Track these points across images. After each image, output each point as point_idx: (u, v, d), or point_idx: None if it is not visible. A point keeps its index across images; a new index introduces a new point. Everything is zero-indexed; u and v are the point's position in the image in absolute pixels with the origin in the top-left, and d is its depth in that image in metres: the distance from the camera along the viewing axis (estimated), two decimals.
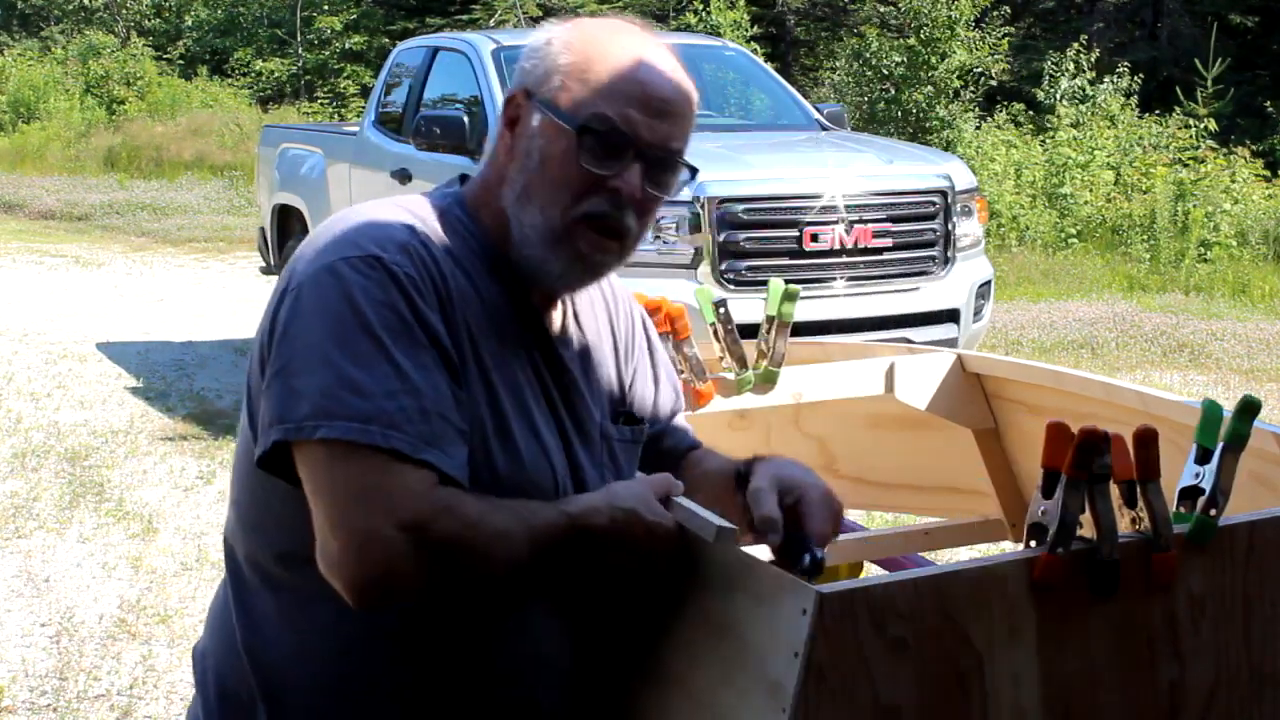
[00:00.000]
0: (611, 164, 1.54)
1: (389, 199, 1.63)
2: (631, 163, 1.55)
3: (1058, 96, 15.98)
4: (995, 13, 17.17)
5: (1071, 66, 16.13)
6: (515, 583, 1.53)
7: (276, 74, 25.86)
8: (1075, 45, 16.41)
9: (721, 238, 6.08)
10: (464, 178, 1.70)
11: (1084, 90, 16.03)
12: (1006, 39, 16.93)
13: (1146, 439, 1.64)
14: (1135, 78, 16.30)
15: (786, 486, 1.66)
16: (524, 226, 1.57)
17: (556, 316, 1.67)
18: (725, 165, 6.43)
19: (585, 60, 1.57)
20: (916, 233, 6.50)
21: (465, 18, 21.00)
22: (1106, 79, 16.29)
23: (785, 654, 1.51)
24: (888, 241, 6.39)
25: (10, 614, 4.82)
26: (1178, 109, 16.19)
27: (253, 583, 1.59)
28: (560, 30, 1.63)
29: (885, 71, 16.05)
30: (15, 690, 4.23)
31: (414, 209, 1.59)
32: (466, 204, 1.62)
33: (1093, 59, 16.48)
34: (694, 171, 1.63)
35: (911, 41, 15.77)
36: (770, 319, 2.73)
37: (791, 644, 1.50)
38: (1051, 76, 16.27)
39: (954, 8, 15.26)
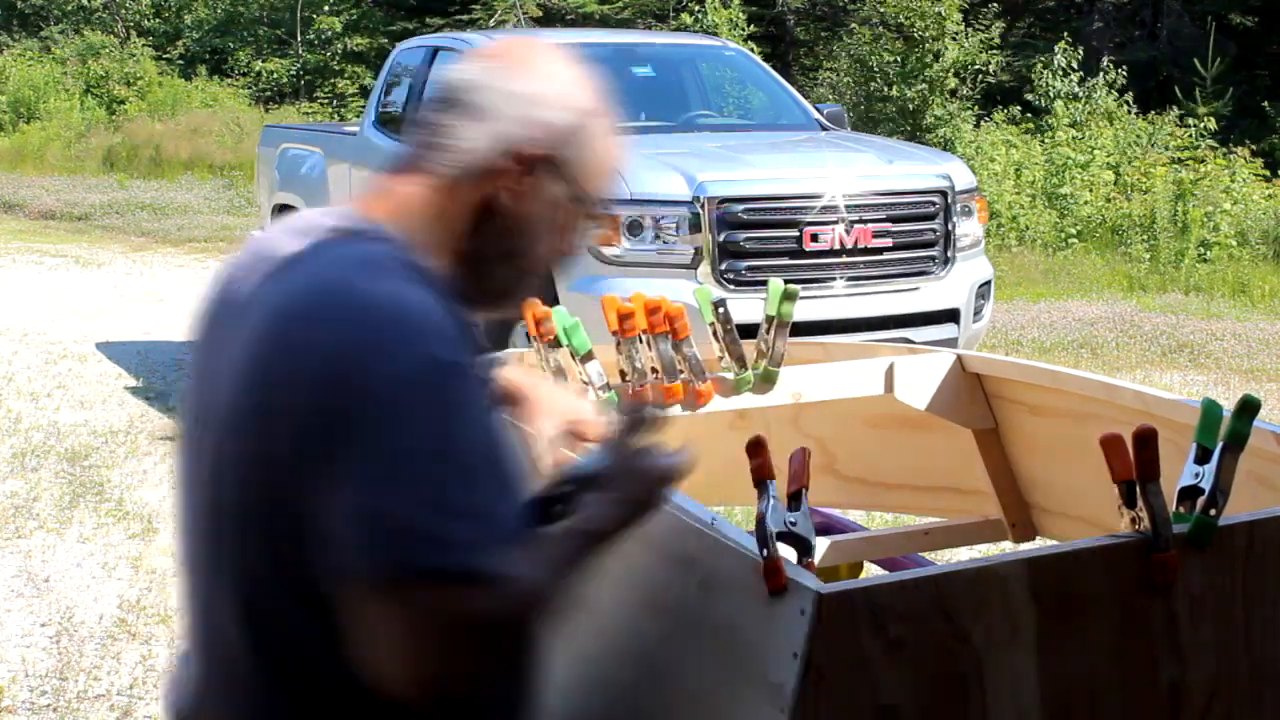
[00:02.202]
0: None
1: (367, 258, 1.48)
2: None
3: (1050, 96, 15.97)
4: (985, 9, 17.17)
5: (1060, 64, 16.11)
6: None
7: (276, 74, 25.85)
8: (1061, 44, 16.40)
9: (721, 238, 6.08)
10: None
11: (1074, 89, 16.01)
12: (997, 32, 16.92)
13: (1146, 439, 1.64)
14: (1119, 71, 16.27)
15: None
16: (501, 280, 1.62)
17: None
18: (725, 165, 6.43)
19: (605, 150, 1.67)
20: (916, 233, 6.49)
21: (465, 18, 20.99)
22: (1098, 76, 16.28)
23: (784, 655, 1.51)
24: (888, 241, 6.39)
25: (10, 614, 4.82)
26: (1176, 108, 16.19)
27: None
28: (578, 101, 1.66)
29: (879, 69, 16.05)
30: (15, 690, 4.22)
31: (405, 281, 1.47)
32: (411, 250, 1.52)
33: (1079, 58, 16.47)
34: None
35: (899, 45, 15.77)
36: (770, 319, 2.73)
37: (790, 644, 1.50)
38: (1036, 79, 16.24)
39: (941, 3, 15.26)
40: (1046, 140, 15.12)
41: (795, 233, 6.18)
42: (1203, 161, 14.12)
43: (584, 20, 21.03)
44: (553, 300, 5.87)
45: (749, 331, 2.75)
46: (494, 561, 1.35)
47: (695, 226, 6.07)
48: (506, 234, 1.58)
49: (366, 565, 1.33)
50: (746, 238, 6.13)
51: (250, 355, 1.43)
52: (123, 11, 29.36)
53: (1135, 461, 1.64)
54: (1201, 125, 15.51)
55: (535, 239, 1.60)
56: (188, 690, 1.55)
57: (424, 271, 1.51)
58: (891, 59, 15.92)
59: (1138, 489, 1.65)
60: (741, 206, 6.13)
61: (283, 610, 1.42)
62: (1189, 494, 1.74)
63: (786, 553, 1.65)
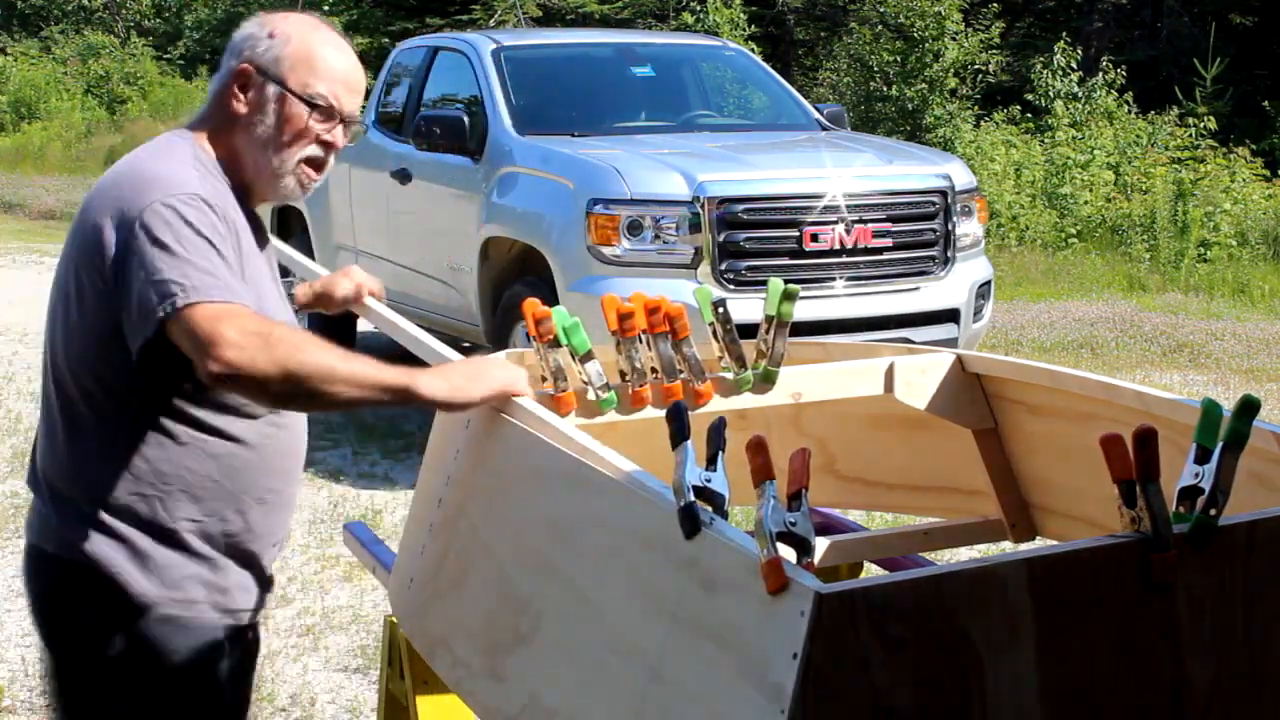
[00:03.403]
0: (326, 125, 2.27)
1: (156, 149, 2.25)
2: (337, 124, 2.28)
3: (1050, 96, 15.97)
4: (985, 9, 17.17)
5: (1060, 64, 16.10)
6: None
7: None
8: (1060, 44, 16.40)
9: (721, 238, 6.08)
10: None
11: (1074, 89, 16.01)
12: (997, 32, 16.92)
13: (1146, 439, 1.64)
14: (1119, 71, 16.27)
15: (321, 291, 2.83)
16: (261, 162, 2.26)
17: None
18: (725, 165, 6.42)
19: (305, 52, 2.24)
20: (916, 233, 6.49)
21: (465, 18, 20.98)
22: (1098, 76, 16.28)
23: (784, 655, 1.51)
24: (888, 241, 6.38)
25: (10, 614, 4.82)
26: (1176, 109, 16.18)
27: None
28: (276, 25, 2.27)
29: (879, 69, 16.05)
30: (15, 690, 4.23)
31: (185, 158, 2.21)
32: (208, 145, 2.27)
33: (1079, 58, 16.47)
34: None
35: (899, 44, 15.78)
36: (769, 319, 2.72)
37: (790, 644, 1.50)
38: (1036, 78, 16.24)
39: (941, 3, 15.26)
40: (1046, 140, 15.12)
41: (795, 233, 6.18)
42: (1203, 161, 14.12)
43: (584, 20, 21.02)
44: (553, 300, 5.88)
45: (749, 331, 2.74)
46: (210, 295, 2.01)
47: (695, 226, 6.07)
48: (254, 126, 2.25)
49: (154, 312, 2.02)
50: (746, 238, 6.13)
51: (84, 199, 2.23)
52: (123, 11, 29.37)
53: (1135, 461, 1.64)
54: (1201, 125, 15.51)
55: (275, 131, 2.24)
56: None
57: (210, 162, 2.24)
58: (891, 59, 15.92)
59: (1138, 489, 1.65)
60: (741, 206, 6.13)
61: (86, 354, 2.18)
62: (1189, 494, 1.74)
63: (786, 553, 1.65)
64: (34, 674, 4.33)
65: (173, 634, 2.20)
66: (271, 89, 2.23)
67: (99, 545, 2.17)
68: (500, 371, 2.32)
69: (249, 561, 2.30)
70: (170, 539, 2.19)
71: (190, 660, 2.22)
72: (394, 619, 2.72)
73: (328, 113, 2.26)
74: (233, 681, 2.30)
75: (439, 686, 2.49)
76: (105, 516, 2.17)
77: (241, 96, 2.24)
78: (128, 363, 2.09)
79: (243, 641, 2.32)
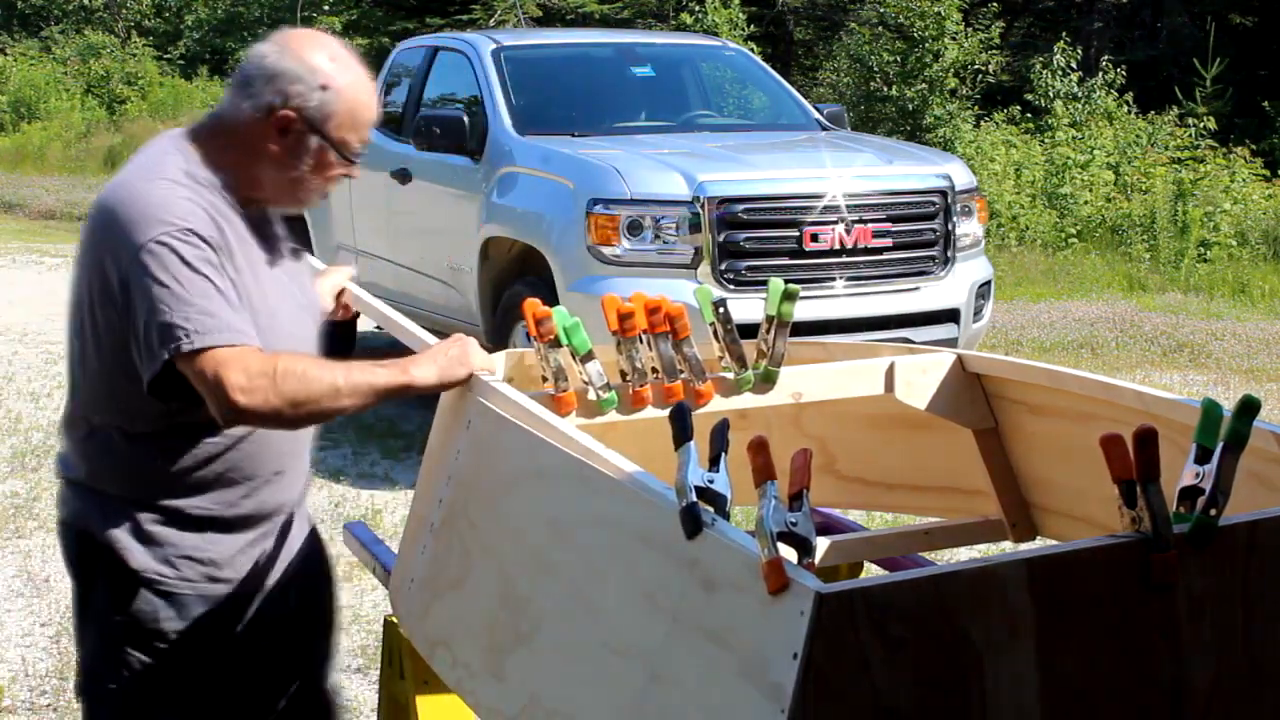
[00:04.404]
0: (348, 166, 2.38)
1: (148, 168, 2.29)
2: (353, 165, 2.39)
3: (1050, 96, 15.97)
4: (984, 9, 17.17)
5: (1059, 64, 16.10)
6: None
7: None
8: (1059, 45, 16.39)
9: (721, 238, 6.08)
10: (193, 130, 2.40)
11: (1073, 89, 16.01)
12: (996, 32, 16.92)
13: (1146, 439, 1.64)
14: (1119, 70, 16.27)
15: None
16: (282, 194, 2.37)
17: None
18: (725, 165, 6.42)
19: (351, 107, 2.32)
20: (916, 233, 6.49)
21: (465, 18, 20.97)
22: (1098, 76, 16.28)
23: (784, 655, 1.51)
24: (888, 241, 6.38)
25: (10, 614, 4.82)
26: (1176, 109, 16.18)
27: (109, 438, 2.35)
28: (328, 77, 2.30)
29: (879, 69, 16.04)
30: (15, 690, 4.23)
31: (177, 175, 2.26)
32: (212, 157, 2.32)
33: (1079, 58, 16.47)
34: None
35: (899, 45, 15.77)
36: (769, 318, 2.72)
37: (790, 644, 1.50)
38: (1036, 78, 16.24)
39: (941, 3, 15.26)
40: (1046, 140, 15.12)
41: (795, 233, 6.18)
42: (1203, 161, 14.11)
43: (584, 20, 21.02)
44: (553, 300, 5.88)
45: (749, 331, 2.74)
46: (213, 339, 2.13)
47: (695, 226, 6.07)
48: (284, 166, 2.33)
49: (159, 355, 2.14)
50: (746, 238, 6.13)
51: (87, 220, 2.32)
52: (123, 11, 29.37)
53: (1135, 461, 1.64)
54: (1201, 125, 15.51)
55: (307, 175, 2.34)
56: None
57: (209, 181, 2.29)
58: (891, 59, 15.91)
59: (1138, 489, 1.65)
60: (741, 206, 6.13)
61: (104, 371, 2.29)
62: (1189, 494, 1.74)
63: (787, 553, 1.65)
64: (34, 674, 4.33)
65: (170, 606, 2.36)
66: (314, 140, 2.32)
67: (104, 521, 2.34)
68: (477, 358, 2.46)
69: (259, 535, 2.44)
70: (173, 519, 2.34)
71: (184, 631, 2.38)
72: (394, 619, 2.72)
73: (355, 156, 2.39)
74: (237, 653, 2.44)
75: (439, 686, 2.49)
76: (112, 498, 2.34)
77: (279, 140, 2.31)
78: (140, 385, 2.22)
79: (267, 604, 2.47)
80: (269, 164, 2.33)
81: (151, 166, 2.30)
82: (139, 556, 2.34)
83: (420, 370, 2.34)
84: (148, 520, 2.34)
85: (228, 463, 2.36)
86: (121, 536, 2.34)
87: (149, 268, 2.16)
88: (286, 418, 2.19)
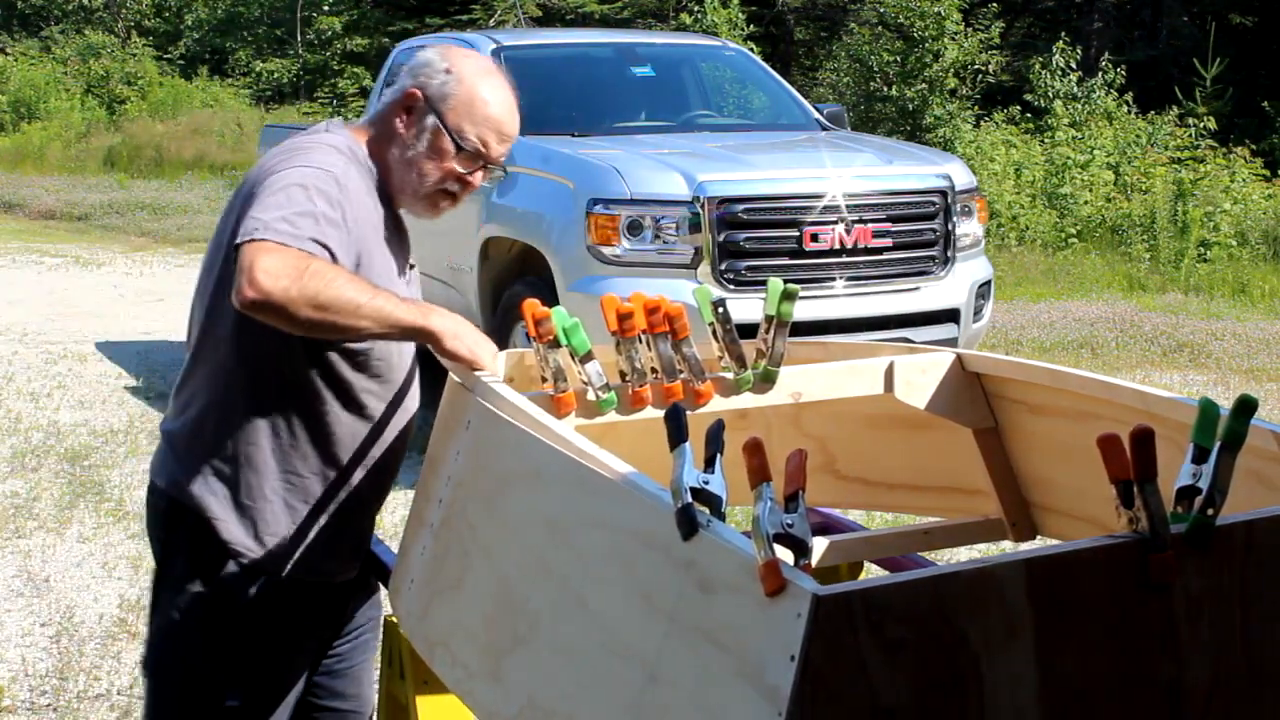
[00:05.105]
0: (468, 166, 2.46)
1: (317, 135, 2.45)
2: (479, 168, 2.48)
3: (1050, 96, 15.96)
4: (984, 9, 17.17)
5: (1059, 64, 16.10)
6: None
7: (276, 74, 25.86)
8: (1059, 45, 16.39)
9: (721, 238, 6.08)
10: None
11: (1073, 89, 16.01)
12: (996, 32, 16.92)
13: (1143, 439, 1.64)
14: (1119, 71, 16.27)
15: None
16: (404, 179, 2.46)
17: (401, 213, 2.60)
18: (725, 165, 6.42)
19: (469, 96, 2.43)
20: (916, 232, 6.49)
21: (465, 18, 20.97)
22: (1098, 76, 16.27)
23: (782, 656, 1.51)
24: (888, 241, 6.38)
25: (10, 614, 4.83)
26: (1176, 109, 16.18)
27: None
28: (455, 62, 2.46)
29: (879, 69, 16.05)
30: (15, 690, 4.23)
31: (339, 145, 2.41)
32: (365, 144, 2.48)
33: (1078, 58, 16.46)
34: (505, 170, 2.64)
35: (899, 45, 15.77)
36: (769, 318, 2.72)
37: (788, 646, 1.50)
38: (1035, 78, 16.24)
39: (940, 3, 15.26)
40: (1046, 140, 15.12)
41: (795, 233, 6.18)
42: (1203, 161, 14.11)
43: (584, 20, 21.02)
44: (552, 300, 5.88)
45: (749, 331, 2.74)
46: (275, 236, 2.17)
47: (695, 226, 6.07)
48: (408, 146, 2.45)
49: (232, 240, 2.24)
50: (746, 238, 6.13)
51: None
52: (123, 11, 29.37)
53: (1133, 461, 1.64)
54: (1201, 125, 15.51)
55: (423, 156, 2.44)
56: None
57: (364, 160, 2.44)
58: (891, 59, 15.92)
59: (1135, 489, 1.65)
60: (741, 206, 6.13)
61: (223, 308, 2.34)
62: (1187, 494, 1.74)
63: (784, 554, 1.65)
64: (34, 674, 4.33)
65: (252, 582, 2.40)
66: (431, 119, 2.43)
67: (200, 490, 2.40)
68: (485, 345, 2.47)
69: (346, 522, 2.50)
70: (266, 497, 2.40)
71: (263, 609, 2.43)
72: (394, 619, 2.72)
73: (473, 155, 2.45)
74: (303, 637, 2.53)
75: (439, 687, 2.49)
76: (211, 468, 2.40)
77: (405, 117, 2.45)
78: (251, 344, 2.31)
79: (328, 601, 2.55)
80: (396, 144, 2.45)
81: (318, 137, 2.44)
82: (230, 528, 2.39)
83: (440, 321, 2.36)
84: (242, 493, 2.39)
85: (333, 437, 2.42)
86: (214, 505, 2.39)
87: (271, 183, 2.26)
88: (301, 318, 2.19)
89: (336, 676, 2.73)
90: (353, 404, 2.44)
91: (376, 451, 2.51)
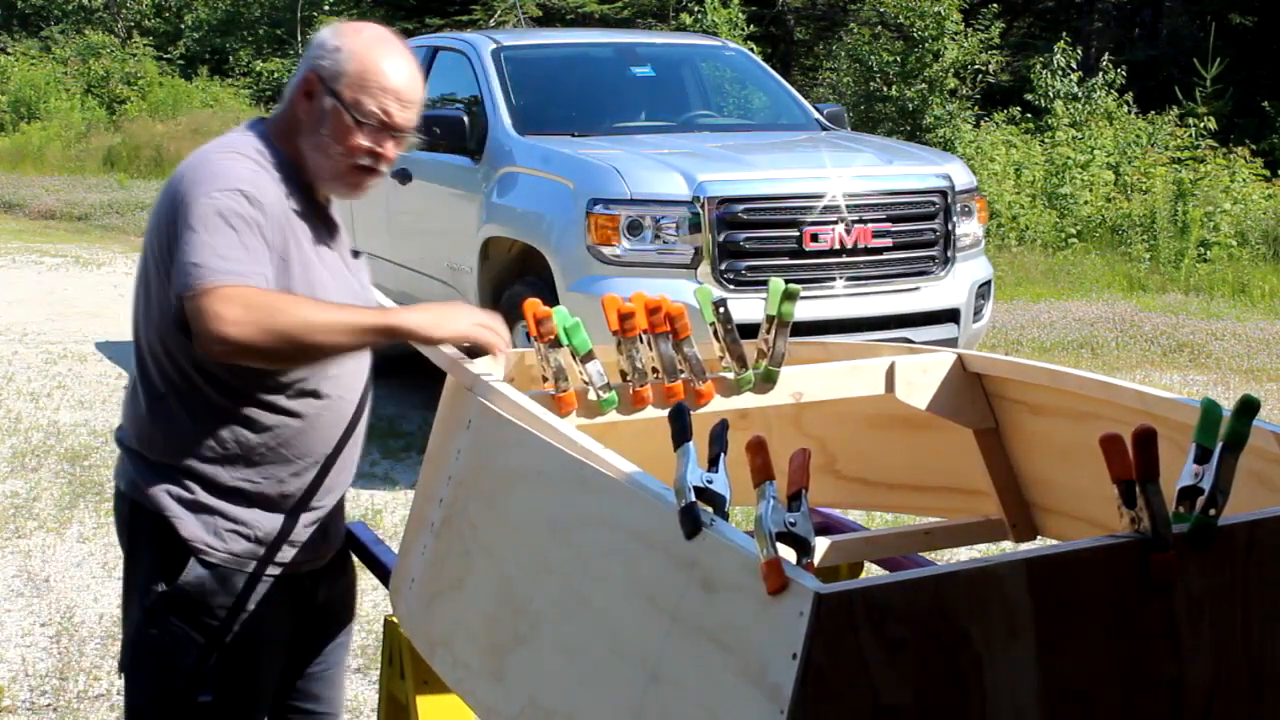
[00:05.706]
0: (376, 139, 2.42)
1: (228, 143, 2.44)
2: (388, 139, 2.44)
3: (1050, 96, 15.96)
4: (984, 9, 17.17)
5: (1059, 64, 16.09)
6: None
7: (276, 74, 25.84)
8: (1059, 45, 16.39)
9: (721, 238, 6.08)
10: (261, 119, 2.55)
11: (1073, 89, 16.00)
12: (996, 32, 16.91)
13: (1145, 439, 1.64)
14: (1119, 71, 16.26)
15: None
16: (317, 164, 2.44)
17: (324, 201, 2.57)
18: (725, 165, 6.42)
19: (361, 68, 2.40)
20: (916, 233, 6.49)
21: (465, 18, 20.97)
22: (1098, 76, 16.27)
23: (783, 655, 1.51)
24: (888, 241, 6.38)
25: (10, 614, 4.83)
26: (1176, 109, 16.18)
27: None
28: (345, 39, 2.42)
29: (879, 69, 16.04)
30: (15, 690, 4.23)
31: (249, 151, 2.40)
32: (273, 140, 2.46)
33: (1078, 58, 16.45)
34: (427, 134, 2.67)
35: (899, 44, 15.77)
36: (770, 318, 2.72)
37: (790, 645, 1.50)
38: (1035, 78, 16.23)
39: (940, 3, 15.25)
40: (1046, 140, 15.11)
41: (795, 233, 6.18)
42: (1203, 161, 14.11)
43: (584, 20, 21.02)
44: (553, 300, 5.88)
45: (749, 331, 2.75)
46: (219, 279, 2.20)
47: (695, 226, 6.07)
48: (312, 131, 2.43)
49: (172, 295, 2.27)
50: (746, 238, 6.13)
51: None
52: (123, 11, 29.36)
53: (1134, 461, 1.64)
54: (1201, 125, 15.50)
55: (328, 138, 2.41)
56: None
57: (272, 154, 2.43)
58: (891, 59, 15.91)
59: (1137, 489, 1.65)
60: (741, 206, 6.13)
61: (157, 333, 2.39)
62: (1188, 494, 1.74)
63: (786, 553, 1.65)
64: (34, 674, 4.33)
65: (215, 578, 2.43)
66: (328, 100, 2.41)
67: (157, 491, 2.41)
68: (476, 315, 2.49)
69: (308, 511, 2.51)
70: (223, 494, 2.42)
71: (228, 604, 2.45)
72: (394, 619, 2.72)
73: (377, 127, 2.41)
74: (273, 629, 2.52)
75: (439, 686, 2.49)
76: (167, 470, 2.42)
77: (306, 103, 2.44)
78: (186, 339, 2.30)
79: (296, 591, 2.55)
80: (303, 131, 2.44)
81: (227, 143, 2.44)
82: (189, 526, 2.41)
83: (408, 315, 2.37)
84: (199, 491, 2.41)
85: (279, 438, 2.43)
86: (172, 505, 2.41)
87: (190, 219, 2.26)
88: (267, 352, 2.23)
89: (312, 680, 2.74)
90: (294, 402, 2.44)
91: (329, 440, 2.50)
